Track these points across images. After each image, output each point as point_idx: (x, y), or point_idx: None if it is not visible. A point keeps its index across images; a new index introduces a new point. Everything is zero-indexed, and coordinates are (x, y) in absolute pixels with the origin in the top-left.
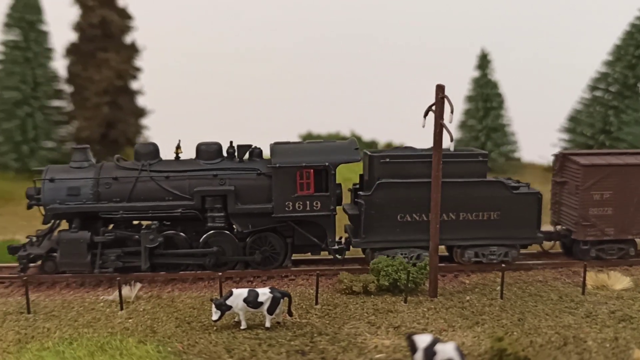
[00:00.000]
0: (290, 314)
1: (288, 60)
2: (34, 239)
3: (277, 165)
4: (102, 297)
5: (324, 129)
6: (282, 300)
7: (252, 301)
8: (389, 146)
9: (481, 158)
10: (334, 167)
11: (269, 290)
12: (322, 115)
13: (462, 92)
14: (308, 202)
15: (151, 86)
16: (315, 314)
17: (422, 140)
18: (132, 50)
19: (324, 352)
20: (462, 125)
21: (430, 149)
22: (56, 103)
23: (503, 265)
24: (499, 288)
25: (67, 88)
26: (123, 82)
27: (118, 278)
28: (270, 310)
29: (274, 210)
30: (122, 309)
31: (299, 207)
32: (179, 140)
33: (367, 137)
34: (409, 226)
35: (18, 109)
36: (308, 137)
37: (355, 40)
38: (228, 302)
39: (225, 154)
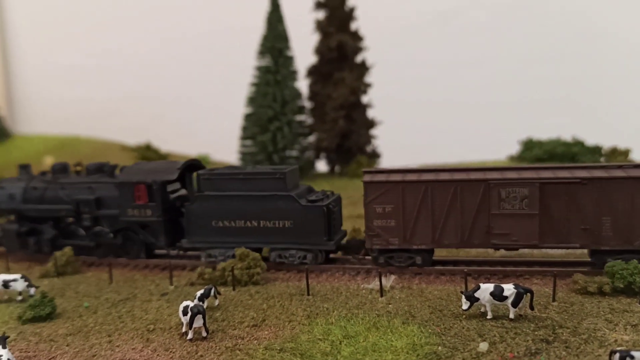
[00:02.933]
0: (531, 308)
1: (508, 65)
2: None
3: (119, 181)
4: (362, 286)
5: (545, 134)
6: (525, 295)
7: (497, 295)
8: (613, 152)
9: (279, 176)
10: (156, 183)
11: (513, 285)
12: (542, 120)
13: None
14: (143, 210)
15: (379, 99)
16: (554, 310)
17: None
18: (363, 68)
19: (567, 343)
20: None
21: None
22: (300, 118)
23: None
24: None
25: (309, 104)
26: (356, 97)
27: (379, 270)
28: (515, 304)
29: (120, 215)
30: (382, 295)
31: (137, 213)
32: (80, 161)
33: (590, 141)
34: (222, 230)
35: (270, 124)
36: (528, 143)
37: (575, 40)
38: (476, 294)
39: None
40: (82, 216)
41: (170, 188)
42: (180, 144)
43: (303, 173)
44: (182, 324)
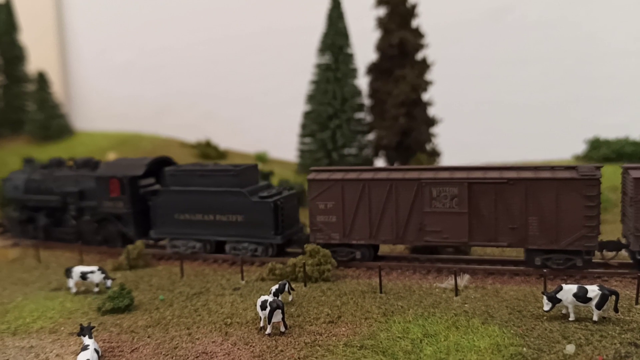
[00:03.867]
0: (616, 310)
1: (571, 61)
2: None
3: (97, 175)
4: (435, 285)
5: (612, 132)
6: (609, 297)
7: (581, 296)
8: None
9: (232, 173)
10: (126, 178)
11: (598, 287)
12: (609, 119)
13: None
14: (116, 202)
15: (440, 96)
16: (638, 313)
17: None
18: (424, 65)
19: None
20: None
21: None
22: (359, 115)
23: None
24: None
25: (368, 102)
26: (417, 94)
27: (454, 270)
28: (599, 306)
29: (98, 207)
30: (456, 295)
31: (112, 205)
32: (72, 158)
33: None
34: (183, 223)
35: (330, 121)
36: (595, 142)
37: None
38: (558, 295)
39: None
40: (68, 206)
41: (143, 183)
42: (240, 141)
43: None
44: (259, 318)
